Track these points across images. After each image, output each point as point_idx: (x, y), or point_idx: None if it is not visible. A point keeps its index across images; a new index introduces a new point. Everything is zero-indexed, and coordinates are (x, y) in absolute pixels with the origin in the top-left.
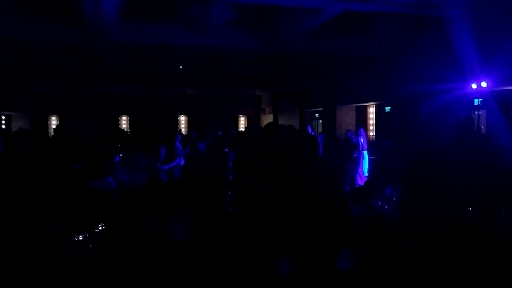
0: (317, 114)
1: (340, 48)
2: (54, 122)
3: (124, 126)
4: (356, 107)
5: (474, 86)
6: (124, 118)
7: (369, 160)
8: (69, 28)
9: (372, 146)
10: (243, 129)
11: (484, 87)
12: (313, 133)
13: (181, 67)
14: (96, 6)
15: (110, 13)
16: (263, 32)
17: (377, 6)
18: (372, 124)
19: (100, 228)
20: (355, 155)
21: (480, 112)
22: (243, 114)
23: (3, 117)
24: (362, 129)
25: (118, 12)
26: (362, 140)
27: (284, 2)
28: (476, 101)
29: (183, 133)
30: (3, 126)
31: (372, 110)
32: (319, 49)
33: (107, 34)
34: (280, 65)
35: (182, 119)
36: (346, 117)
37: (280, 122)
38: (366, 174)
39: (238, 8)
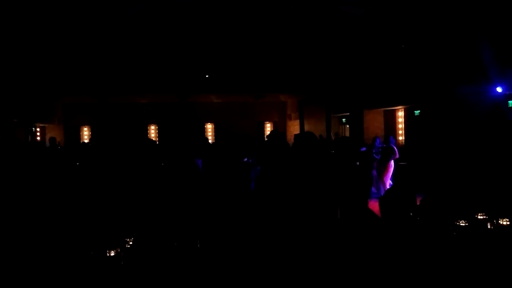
0: (344, 119)
1: (366, 50)
2: (86, 132)
3: (152, 135)
4: (384, 111)
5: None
6: (152, 127)
7: (399, 166)
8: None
9: (401, 151)
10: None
11: None
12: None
13: (207, 76)
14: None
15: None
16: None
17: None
18: (402, 129)
19: (131, 243)
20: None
21: None
22: (269, 121)
23: (38, 129)
24: (391, 137)
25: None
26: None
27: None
28: (510, 103)
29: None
30: (38, 138)
31: (401, 114)
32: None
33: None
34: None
35: (209, 126)
36: (374, 121)
37: (306, 127)
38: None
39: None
